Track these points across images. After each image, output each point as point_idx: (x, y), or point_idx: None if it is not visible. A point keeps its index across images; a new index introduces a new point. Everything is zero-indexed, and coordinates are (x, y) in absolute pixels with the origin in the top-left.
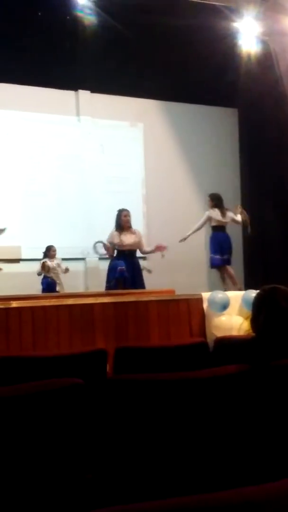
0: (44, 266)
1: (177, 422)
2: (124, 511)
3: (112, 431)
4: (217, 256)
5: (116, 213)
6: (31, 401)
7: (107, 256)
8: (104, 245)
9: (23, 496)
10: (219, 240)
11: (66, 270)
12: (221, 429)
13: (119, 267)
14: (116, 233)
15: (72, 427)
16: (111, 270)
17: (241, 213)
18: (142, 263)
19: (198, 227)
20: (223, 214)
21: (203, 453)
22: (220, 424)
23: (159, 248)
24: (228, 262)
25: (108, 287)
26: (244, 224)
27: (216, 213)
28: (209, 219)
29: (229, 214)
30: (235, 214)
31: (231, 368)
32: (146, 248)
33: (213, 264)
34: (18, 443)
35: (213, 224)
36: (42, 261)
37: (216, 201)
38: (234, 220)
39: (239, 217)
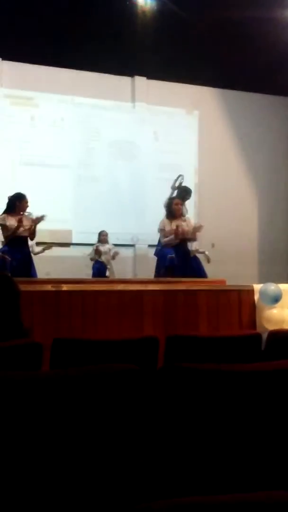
0: (97, 251)
1: (233, 415)
2: (183, 505)
3: (164, 420)
4: None
5: (166, 201)
6: (87, 384)
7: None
8: (162, 232)
9: (76, 478)
10: None
11: (115, 254)
12: (278, 427)
13: (169, 255)
14: (167, 221)
15: (127, 414)
16: (161, 258)
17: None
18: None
19: None
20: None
21: (255, 449)
22: (273, 419)
23: (196, 229)
24: None
25: (158, 275)
26: None
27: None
28: None
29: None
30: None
31: None
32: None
33: None
34: (71, 427)
35: None
36: (95, 246)
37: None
38: None
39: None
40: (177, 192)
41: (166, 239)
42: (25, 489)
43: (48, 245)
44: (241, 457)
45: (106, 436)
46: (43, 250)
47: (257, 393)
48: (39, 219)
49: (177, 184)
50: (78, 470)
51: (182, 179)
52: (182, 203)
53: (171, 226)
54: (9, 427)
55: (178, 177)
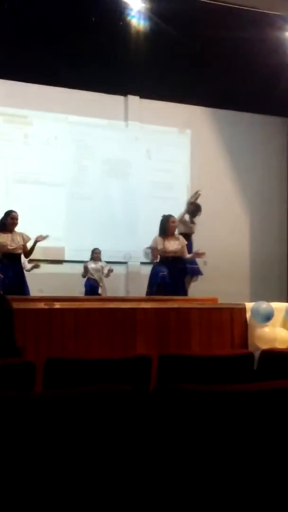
0: (85, 268)
1: (226, 435)
2: None
3: (157, 440)
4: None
5: (161, 218)
6: (79, 405)
7: (155, 261)
8: (152, 251)
9: (69, 498)
10: None
11: (109, 272)
12: (270, 447)
13: (161, 273)
14: (160, 238)
15: (120, 434)
16: (153, 275)
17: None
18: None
19: None
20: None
21: (249, 468)
22: (269, 442)
23: (197, 255)
24: None
25: (150, 292)
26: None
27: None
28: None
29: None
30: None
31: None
32: (187, 255)
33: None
34: (64, 448)
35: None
36: (85, 264)
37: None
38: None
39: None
40: (189, 207)
41: (152, 257)
42: (21, 508)
43: (35, 264)
44: (235, 477)
45: (99, 456)
46: (32, 268)
47: (250, 414)
48: (42, 238)
49: (193, 199)
50: (71, 490)
51: (199, 195)
52: (192, 219)
53: (164, 244)
54: (1, 448)
55: (196, 193)
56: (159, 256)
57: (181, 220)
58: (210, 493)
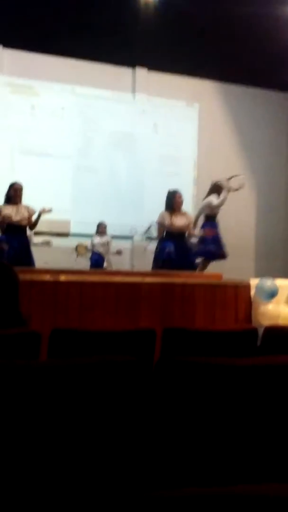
0: (79, 247)
1: (228, 408)
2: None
3: (161, 411)
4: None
5: (167, 194)
6: (85, 374)
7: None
8: (159, 227)
9: (73, 467)
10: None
11: (118, 252)
12: (270, 420)
13: (167, 249)
14: (166, 214)
15: (124, 404)
16: (159, 251)
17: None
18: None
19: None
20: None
21: (250, 441)
22: (269, 415)
23: (206, 232)
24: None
25: (155, 268)
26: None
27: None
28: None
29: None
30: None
31: None
32: (195, 232)
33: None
34: (68, 417)
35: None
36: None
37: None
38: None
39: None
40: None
41: (158, 233)
42: (24, 477)
43: (46, 241)
44: (237, 449)
45: (103, 426)
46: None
47: (253, 387)
48: (46, 211)
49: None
50: (75, 459)
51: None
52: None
53: (171, 219)
54: (6, 415)
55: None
56: (165, 232)
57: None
58: (211, 462)
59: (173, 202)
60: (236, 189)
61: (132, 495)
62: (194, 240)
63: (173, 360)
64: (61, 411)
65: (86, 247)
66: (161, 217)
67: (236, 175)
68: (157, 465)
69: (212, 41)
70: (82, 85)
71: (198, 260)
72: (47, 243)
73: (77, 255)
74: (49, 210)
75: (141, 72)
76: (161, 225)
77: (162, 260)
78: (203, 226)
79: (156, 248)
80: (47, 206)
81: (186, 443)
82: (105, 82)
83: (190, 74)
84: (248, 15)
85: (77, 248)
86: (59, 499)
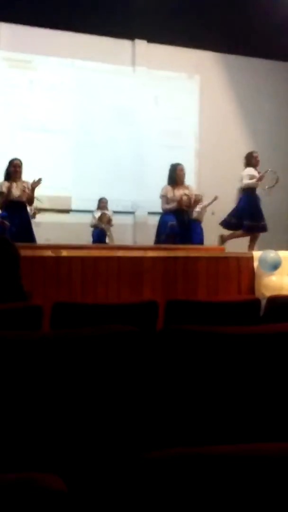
0: (102, 217)
1: (231, 376)
2: (180, 455)
3: (164, 381)
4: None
5: (169, 167)
6: (86, 344)
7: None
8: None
9: (76, 436)
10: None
11: (108, 221)
12: (272, 388)
13: (169, 222)
14: (169, 187)
15: (127, 374)
16: (162, 225)
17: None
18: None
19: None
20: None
21: (253, 408)
22: (271, 383)
23: (196, 202)
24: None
25: (158, 242)
26: None
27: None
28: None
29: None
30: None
31: None
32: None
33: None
34: (71, 387)
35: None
36: (94, 213)
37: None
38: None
39: None
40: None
41: (167, 206)
42: (26, 447)
43: (34, 212)
44: (239, 417)
45: (105, 395)
46: (32, 216)
47: (255, 356)
48: (36, 183)
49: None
50: (77, 429)
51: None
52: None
53: (174, 193)
54: (9, 387)
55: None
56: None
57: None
58: (213, 431)
59: (175, 175)
60: (271, 186)
61: (126, 457)
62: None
63: (175, 329)
64: (64, 382)
65: (109, 218)
66: (164, 190)
67: (266, 172)
68: (160, 434)
69: (212, 12)
70: (81, 58)
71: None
72: (34, 216)
73: (98, 226)
74: (39, 181)
75: (141, 45)
76: (164, 198)
77: (165, 234)
78: (239, 200)
79: (159, 222)
80: (36, 178)
81: (189, 411)
82: (104, 55)
83: (190, 46)
84: None
85: (101, 218)
86: (59, 462)
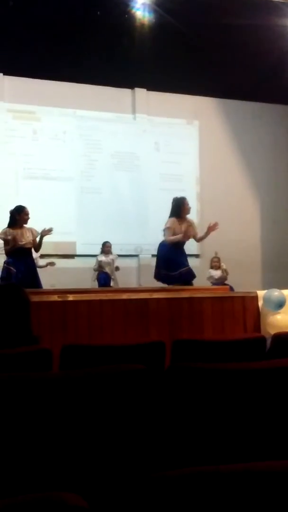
0: (100, 263)
1: (238, 412)
2: (196, 473)
3: (172, 418)
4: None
5: (174, 200)
6: (98, 382)
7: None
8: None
9: (82, 474)
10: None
11: (117, 268)
12: (280, 422)
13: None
14: (175, 220)
15: (135, 412)
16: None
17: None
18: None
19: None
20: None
21: (260, 442)
22: (279, 417)
23: (210, 229)
24: None
25: (158, 271)
26: None
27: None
28: None
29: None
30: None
31: None
32: (198, 234)
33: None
34: (81, 425)
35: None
36: (97, 257)
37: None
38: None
39: None
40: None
41: (172, 237)
42: (49, 472)
43: (51, 263)
44: (247, 451)
45: (117, 429)
46: (47, 265)
47: (262, 390)
48: (47, 232)
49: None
50: (89, 465)
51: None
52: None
53: (180, 227)
54: (23, 426)
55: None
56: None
57: None
58: (220, 462)
59: (182, 209)
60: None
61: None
62: None
63: (183, 367)
64: (75, 420)
65: (117, 266)
66: (170, 222)
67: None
68: (170, 466)
69: (208, 58)
70: (83, 108)
71: None
72: (52, 265)
73: (101, 270)
74: (50, 230)
75: (140, 93)
76: (169, 229)
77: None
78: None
79: (158, 251)
80: (47, 227)
81: (197, 444)
82: (105, 104)
83: (188, 92)
84: (243, 29)
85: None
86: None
